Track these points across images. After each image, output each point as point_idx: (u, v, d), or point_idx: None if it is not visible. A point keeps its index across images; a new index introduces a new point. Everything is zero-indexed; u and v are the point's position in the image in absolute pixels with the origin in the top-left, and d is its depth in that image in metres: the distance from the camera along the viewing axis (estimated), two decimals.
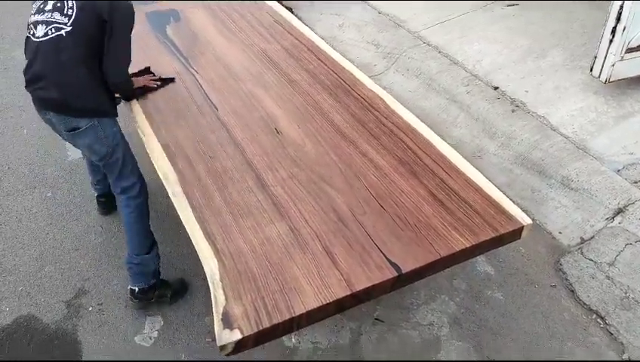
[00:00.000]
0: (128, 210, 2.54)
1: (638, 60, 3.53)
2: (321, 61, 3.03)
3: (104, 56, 2.31)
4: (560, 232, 3.06)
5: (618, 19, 3.33)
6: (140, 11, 3.45)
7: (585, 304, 2.72)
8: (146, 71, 2.88)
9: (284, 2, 3.76)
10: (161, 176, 2.31)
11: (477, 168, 2.31)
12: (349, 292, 1.81)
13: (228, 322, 1.70)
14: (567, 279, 2.83)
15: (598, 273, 2.79)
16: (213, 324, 1.71)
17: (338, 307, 1.83)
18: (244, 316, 1.72)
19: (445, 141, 2.46)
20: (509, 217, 2.07)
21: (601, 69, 3.55)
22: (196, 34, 3.31)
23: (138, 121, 2.60)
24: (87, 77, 2.31)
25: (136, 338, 2.58)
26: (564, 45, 4.22)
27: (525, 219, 2.07)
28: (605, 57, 3.49)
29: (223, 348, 1.66)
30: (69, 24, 2.24)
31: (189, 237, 2.03)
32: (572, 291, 2.78)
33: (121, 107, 2.65)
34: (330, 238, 2.00)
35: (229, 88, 2.83)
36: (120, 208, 2.62)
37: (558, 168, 3.29)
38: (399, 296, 2.71)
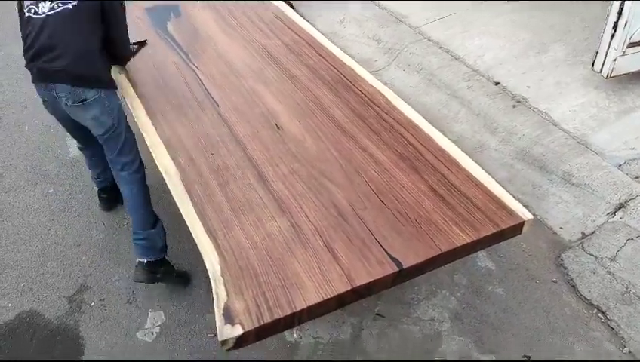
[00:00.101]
0: (130, 186, 2.60)
1: None
2: (322, 57, 3.03)
3: (112, 32, 2.47)
4: (561, 227, 3.06)
5: (620, 13, 3.32)
6: (141, 7, 3.47)
7: (586, 299, 2.72)
8: None
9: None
10: (162, 172, 2.31)
11: (478, 163, 2.30)
12: (349, 288, 1.81)
13: (229, 317, 1.71)
14: (568, 274, 2.83)
15: (599, 268, 2.79)
16: (215, 319, 1.72)
17: (339, 302, 1.83)
18: (246, 311, 1.73)
19: (446, 136, 2.45)
20: (510, 212, 2.08)
21: (603, 64, 3.53)
22: (197, 30, 3.31)
23: (138, 117, 2.60)
24: (95, 47, 2.40)
25: (138, 333, 2.59)
26: (566, 40, 4.21)
27: (526, 215, 2.07)
28: (607, 52, 3.48)
29: (224, 343, 1.67)
30: None
31: (190, 233, 2.04)
32: (573, 286, 2.78)
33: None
34: (331, 234, 2.00)
35: (230, 84, 2.83)
36: (121, 186, 2.66)
37: (559, 163, 3.29)
38: (400, 291, 2.71)
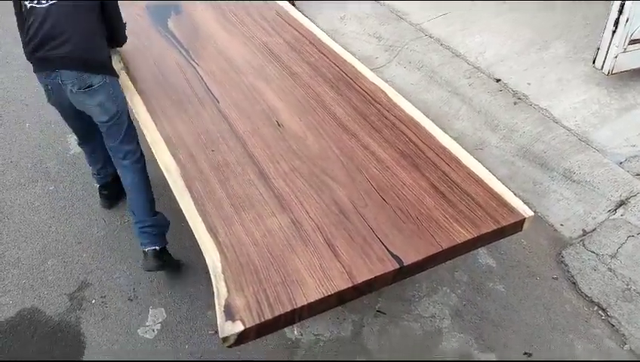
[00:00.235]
0: (132, 174, 2.64)
1: None
2: (323, 54, 3.02)
3: (111, 20, 2.57)
4: (562, 224, 3.06)
5: (621, 10, 3.32)
6: (141, 4, 3.46)
7: (586, 296, 2.72)
8: None
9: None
10: (162, 169, 2.31)
11: (479, 161, 2.30)
12: (350, 285, 1.81)
13: (230, 314, 1.71)
14: (568, 271, 2.83)
15: (599, 265, 2.79)
16: (216, 316, 1.72)
17: (340, 299, 1.84)
18: (246, 308, 1.73)
19: (447, 134, 2.45)
20: (511, 209, 2.08)
21: (604, 61, 3.53)
22: (198, 27, 3.31)
23: (139, 114, 2.60)
24: (97, 34, 2.49)
25: (139, 330, 2.59)
26: (567, 37, 4.21)
27: (527, 212, 2.07)
28: (608, 49, 3.47)
29: (225, 339, 1.67)
30: None
31: (191, 230, 2.04)
32: (574, 283, 2.78)
33: None
34: (332, 231, 2.00)
35: (231, 81, 2.83)
36: (123, 175, 2.69)
37: (560, 160, 3.29)
38: (401, 288, 2.71)
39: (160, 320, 2.64)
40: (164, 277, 2.81)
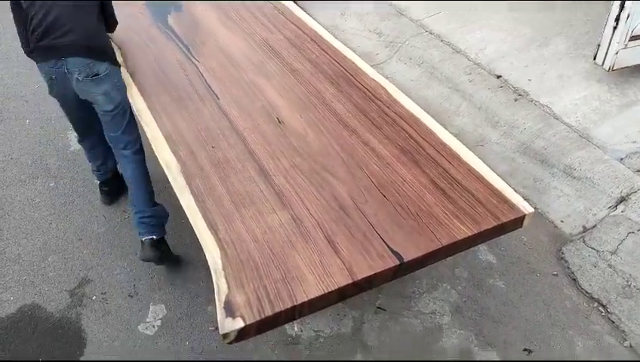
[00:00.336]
0: (133, 165, 2.68)
1: None
2: (323, 50, 3.02)
3: (105, 5, 2.62)
4: (562, 221, 3.06)
5: (622, 6, 3.31)
6: (140, 4, 3.45)
7: (587, 292, 2.72)
8: None
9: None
10: (163, 165, 2.31)
11: (479, 157, 2.30)
12: (350, 281, 1.81)
13: (230, 310, 1.71)
14: (569, 267, 2.83)
15: (600, 261, 2.80)
16: (216, 312, 1.72)
17: (340, 295, 1.84)
18: (247, 304, 1.73)
19: (447, 130, 2.45)
20: (511, 206, 2.08)
21: (605, 57, 3.52)
22: (198, 23, 3.30)
23: (139, 110, 2.60)
24: (99, 22, 2.57)
25: (139, 326, 2.60)
26: (568, 33, 4.20)
27: (527, 208, 2.07)
28: (609, 45, 3.47)
29: (225, 336, 1.68)
30: None
31: (191, 227, 2.04)
32: (574, 279, 2.79)
33: None
34: (332, 227, 2.00)
35: (231, 77, 2.82)
36: (124, 166, 2.72)
37: (561, 157, 3.28)
38: (401, 284, 2.72)
39: (160, 316, 2.64)
40: (164, 273, 2.81)
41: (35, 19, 2.42)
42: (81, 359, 2.48)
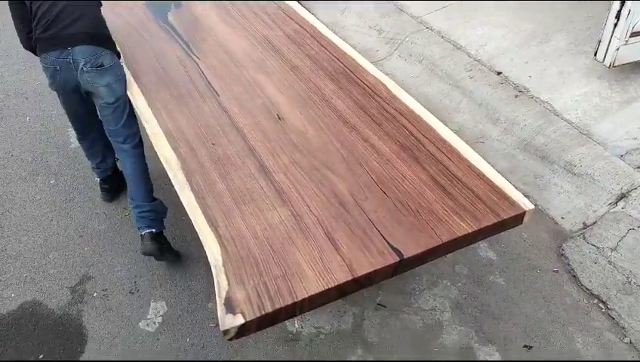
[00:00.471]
0: (132, 159, 2.69)
1: None
2: (324, 47, 3.02)
3: None
4: (562, 217, 3.06)
5: (623, 2, 3.30)
6: (140, 3, 3.45)
7: (587, 289, 2.73)
8: None
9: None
10: (163, 162, 2.31)
11: (479, 154, 2.30)
12: (350, 278, 1.81)
13: (231, 307, 1.72)
14: (569, 264, 2.83)
15: (600, 258, 2.80)
16: (217, 309, 1.72)
17: (340, 292, 1.84)
18: (247, 301, 1.74)
19: (448, 127, 2.45)
20: (512, 202, 2.08)
21: (606, 54, 3.51)
22: (198, 20, 3.30)
23: (139, 107, 2.60)
24: (99, 11, 2.63)
25: (140, 323, 2.60)
26: (568, 29, 4.19)
27: (527, 205, 2.07)
28: (610, 41, 3.46)
29: (226, 332, 1.68)
30: None
31: (192, 223, 2.04)
32: (574, 276, 2.79)
33: None
34: (332, 224, 2.00)
35: (231, 74, 2.82)
36: (123, 160, 2.73)
37: (561, 153, 3.28)
38: (401, 281, 2.72)
39: (161, 313, 2.65)
40: (165, 270, 2.81)
41: (40, 10, 2.46)
42: (82, 356, 2.48)
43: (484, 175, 2.19)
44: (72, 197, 3.25)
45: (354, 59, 2.89)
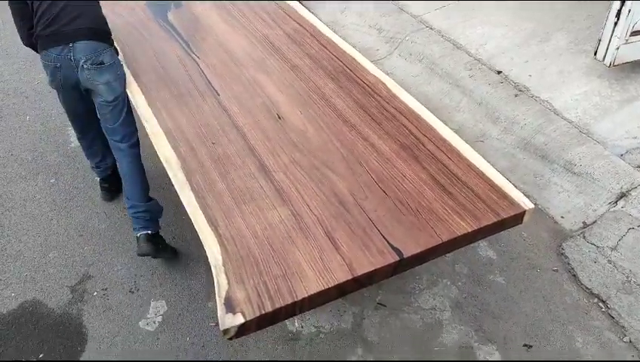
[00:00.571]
0: (129, 159, 2.70)
1: None
2: (323, 46, 3.01)
3: None
4: (562, 217, 3.06)
5: (623, 1, 3.30)
6: (141, 3, 3.45)
7: (587, 288, 2.73)
8: None
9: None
10: (163, 162, 2.31)
11: (479, 153, 2.30)
12: (350, 277, 1.82)
13: (230, 306, 1.72)
14: (569, 263, 2.83)
15: (600, 257, 2.80)
16: (216, 308, 1.72)
17: (340, 291, 1.84)
18: (247, 300, 1.74)
19: (448, 126, 2.45)
20: (511, 202, 2.07)
21: (606, 53, 3.51)
22: (198, 19, 3.30)
23: (139, 106, 2.60)
24: (100, 8, 2.65)
25: (140, 322, 2.60)
26: (569, 28, 4.19)
27: (527, 204, 2.07)
28: (610, 40, 3.46)
29: (226, 332, 1.68)
30: None
31: (192, 223, 2.04)
32: (574, 275, 2.79)
33: None
34: (332, 223, 2.00)
35: (231, 74, 2.82)
36: (120, 159, 2.74)
37: (561, 152, 3.28)
38: (401, 280, 2.72)
39: (161, 312, 2.65)
40: (165, 269, 2.82)
41: (41, 7, 2.47)
42: (82, 355, 2.49)
43: (484, 174, 2.19)
44: (72, 196, 3.25)
45: (354, 59, 2.89)
